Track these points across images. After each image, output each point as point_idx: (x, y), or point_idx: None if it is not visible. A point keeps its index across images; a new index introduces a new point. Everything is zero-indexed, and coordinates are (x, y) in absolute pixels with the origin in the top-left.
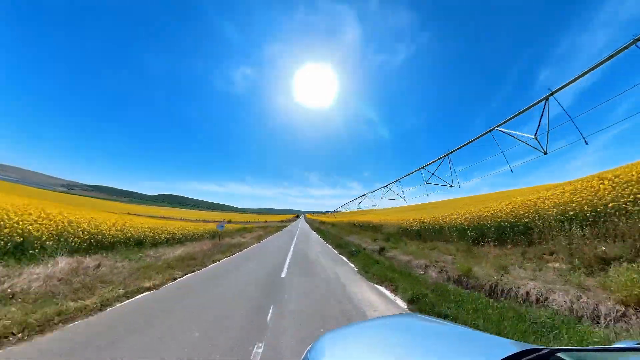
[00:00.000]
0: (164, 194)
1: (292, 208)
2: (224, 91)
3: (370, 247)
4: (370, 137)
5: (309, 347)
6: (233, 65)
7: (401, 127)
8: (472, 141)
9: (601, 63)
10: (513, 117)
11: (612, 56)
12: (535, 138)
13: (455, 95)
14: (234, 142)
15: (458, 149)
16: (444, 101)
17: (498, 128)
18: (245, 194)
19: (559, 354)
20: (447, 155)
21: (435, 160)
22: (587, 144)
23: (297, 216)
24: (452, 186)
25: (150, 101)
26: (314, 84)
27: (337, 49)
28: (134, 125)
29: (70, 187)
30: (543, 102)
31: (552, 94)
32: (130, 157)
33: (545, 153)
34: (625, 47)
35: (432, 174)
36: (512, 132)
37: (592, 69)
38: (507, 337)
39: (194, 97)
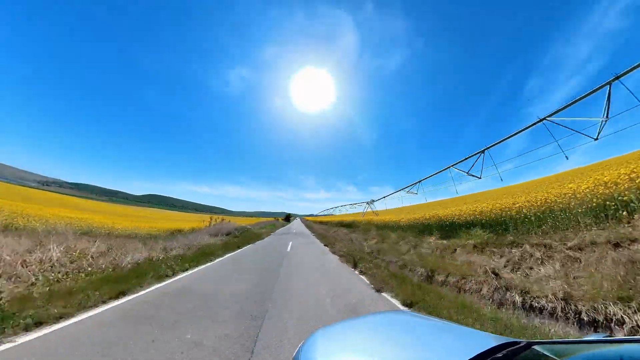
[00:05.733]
0: (150, 194)
1: (287, 211)
2: (220, 92)
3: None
4: (365, 140)
5: (301, 343)
6: (230, 65)
7: (395, 130)
8: (520, 131)
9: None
10: (568, 106)
11: (493, 145)
12: (605, 120)
13: (448, 101)
14: (229, 143)
15: (496, 144)
16: (436, 106)
17: (549, 119)
18: (239, 196)
19: (535, 347)
20: (485, 150)
21: (469, 157)
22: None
23: (288, 218)
24: (480, 177)
25: (145, 101)
26: (311, 87)
27: (334, 53)
28: (129, 124)
29: (47, 184)
30: (607, 86)
31: (616, 78)
32: (124, 157)
33: (596, 139)
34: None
35: (468, 171)
36: (564, 120)
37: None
38: None
39: (190, 98)
